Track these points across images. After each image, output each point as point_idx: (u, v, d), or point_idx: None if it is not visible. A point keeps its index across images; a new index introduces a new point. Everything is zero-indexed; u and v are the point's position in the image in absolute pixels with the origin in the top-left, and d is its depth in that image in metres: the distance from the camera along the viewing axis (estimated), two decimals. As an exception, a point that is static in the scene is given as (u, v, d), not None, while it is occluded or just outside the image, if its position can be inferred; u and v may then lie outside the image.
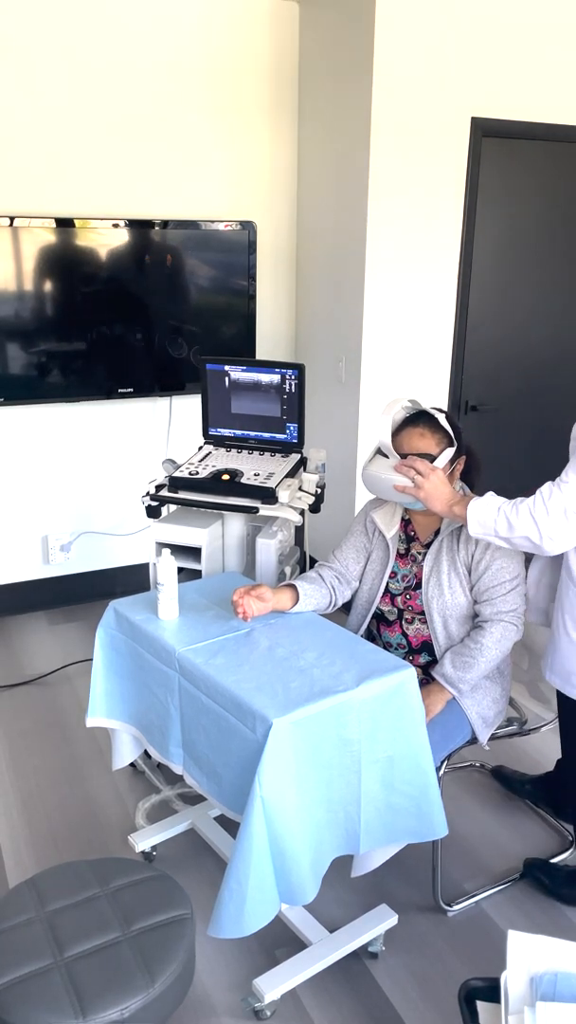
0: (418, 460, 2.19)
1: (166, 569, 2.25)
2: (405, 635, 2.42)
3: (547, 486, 2.05)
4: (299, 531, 3.01)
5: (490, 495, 2.13)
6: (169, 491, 2.79)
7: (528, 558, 2.36)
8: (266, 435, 2.95)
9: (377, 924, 2.21)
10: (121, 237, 3.72)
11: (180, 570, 2.88)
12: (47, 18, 3.47)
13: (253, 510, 2.69)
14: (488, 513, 2.09)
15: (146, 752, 2.84)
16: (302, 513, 2.81)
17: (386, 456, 2.27)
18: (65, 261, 3.65)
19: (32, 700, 3.41)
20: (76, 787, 2.89)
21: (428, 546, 2.38)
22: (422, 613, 2.38)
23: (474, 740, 2.37)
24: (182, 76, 3.75)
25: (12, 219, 3.50)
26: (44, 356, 3.73)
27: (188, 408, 4.17)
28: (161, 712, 2.22)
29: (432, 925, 2.34)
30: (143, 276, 3.81)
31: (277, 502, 2.69)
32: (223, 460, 2.89)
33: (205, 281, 3.92)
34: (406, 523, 2.43)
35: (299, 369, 2.83)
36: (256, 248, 3.98)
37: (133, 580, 4.31)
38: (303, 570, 3.04)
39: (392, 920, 2.23)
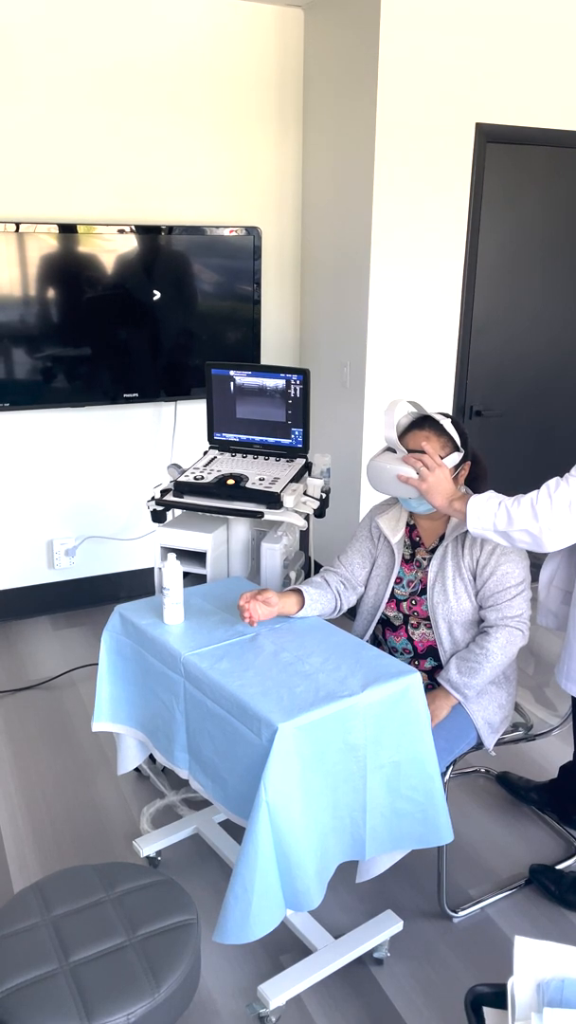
0: (426, 455, 2.21)
1: (171, 573, 2.25)
2: (410, 640, 2.42)
3: (554, 480, 2.07)
4: (304, 536, 3.02)
5: (490, 492, 2.14)
6: (174, 496, 2.79)
7: (539, 564, 2.36)
8: (271, 440, 2.95)
9: (382, 930, 2.20)
10: (127, 243, 3.73)
11: (185, 575, 2.88)
12: (52, 24, 3.49)
13: (258, 515, 2.69)
14: (488, 508, 2.09)
15: (151, 757, 2.84)
16: (307, 518, 2.82)
17: (394, 452, 2.28)
18: (71, 267, 3.66)
19: (37, 705, 3.41)
20: (81, 792, 2.89)
21: (433, 551, 2.38)
22: (427, 618, 2.38)
23: (480, 745, 2.37)
24: (188, 82, 3.77)
25: (18, 225, 3.51)
26: (50, 361, 3.74)
27: (193, 413, 4.18)
28: (166, 717, 2.22)
29: (437, 931, 2.33)
30: (149, 281, 3.82)
31: (282, 507, 2.69)
32: (228, 465, 2.90)
33: (210, 286, 3.93)
34: (411, 528, 2.44)
35: (304, 374, 2.84)
36: (261, 254, 3.99)
37: (138, 585, 4.32)
38: (308, 575, 3.05)
39: (397, 926, 2.22)
